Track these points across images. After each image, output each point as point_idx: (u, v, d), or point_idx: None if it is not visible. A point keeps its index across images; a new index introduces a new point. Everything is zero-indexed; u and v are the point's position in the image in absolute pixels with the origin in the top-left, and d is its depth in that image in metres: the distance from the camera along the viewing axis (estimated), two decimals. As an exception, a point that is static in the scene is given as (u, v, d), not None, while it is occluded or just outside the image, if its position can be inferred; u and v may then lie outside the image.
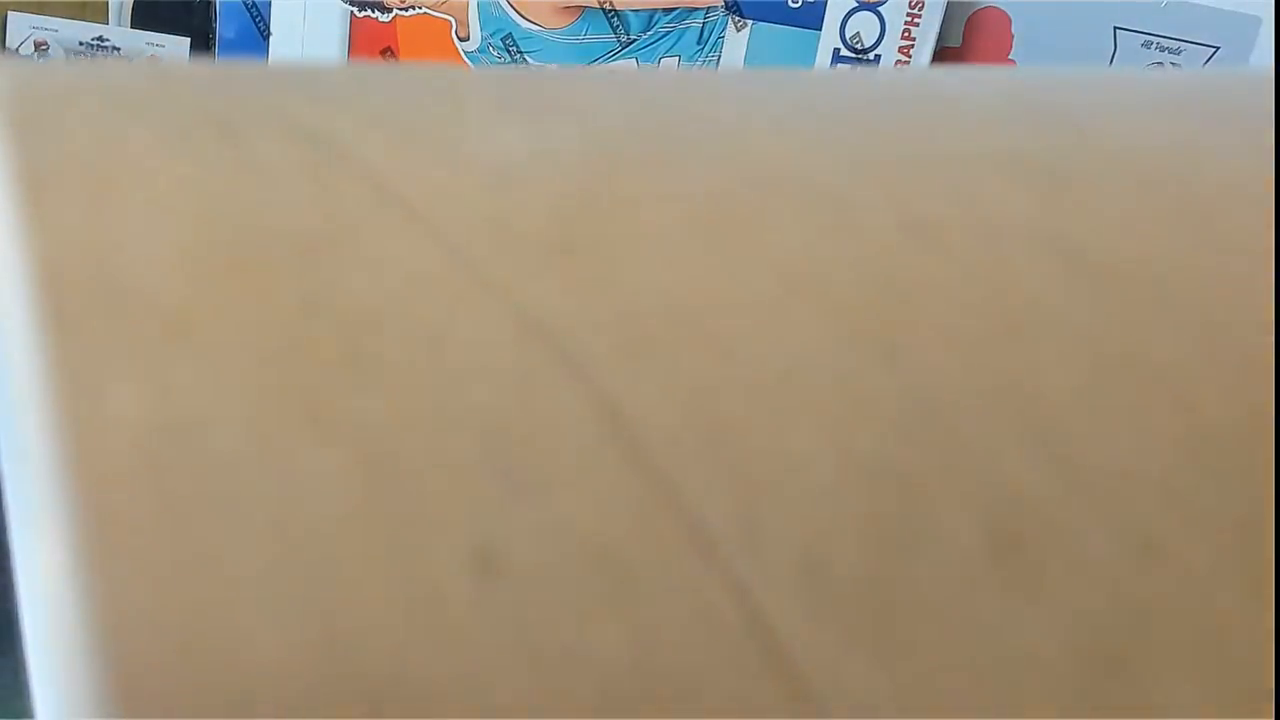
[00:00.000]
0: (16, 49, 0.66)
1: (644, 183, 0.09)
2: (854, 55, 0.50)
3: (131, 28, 0.66)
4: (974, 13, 0.44)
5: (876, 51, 0.48)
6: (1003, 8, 0.40)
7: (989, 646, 0.07)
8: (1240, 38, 0.30)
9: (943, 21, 0.47)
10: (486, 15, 0.54)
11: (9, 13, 0.66)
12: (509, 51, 0.55)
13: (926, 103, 0.12)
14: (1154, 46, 0.33)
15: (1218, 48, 0.32)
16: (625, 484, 0.07)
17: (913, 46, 0.49)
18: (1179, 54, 0.32)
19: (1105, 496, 0.08)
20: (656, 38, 0.51)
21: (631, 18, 0.52)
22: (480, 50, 0.56)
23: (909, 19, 0.47)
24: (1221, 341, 0.09)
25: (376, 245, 0.08)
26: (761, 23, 0.49)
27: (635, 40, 0.52)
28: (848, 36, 0.49)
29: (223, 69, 0.10)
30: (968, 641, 0.07)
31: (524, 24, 0.53)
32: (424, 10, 0.57)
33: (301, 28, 0.60)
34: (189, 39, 0.65)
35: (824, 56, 0.50)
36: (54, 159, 0.08)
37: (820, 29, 0.48)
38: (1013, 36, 0.40)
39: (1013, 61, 0.41)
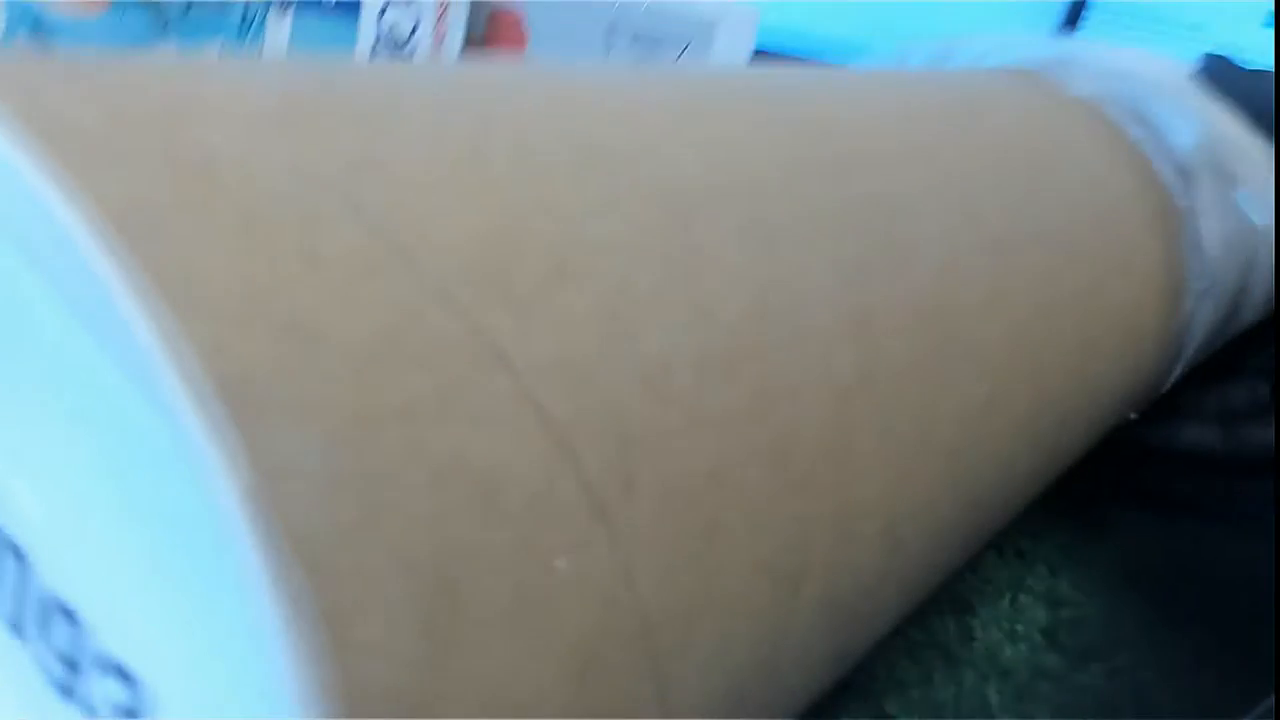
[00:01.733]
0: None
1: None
2: (393, 45, 0.54)
3: None
4: (492, 11, 0.49)
5: (412, 43, 0.52)
6: (514, 8, 0.47)
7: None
8: (703, 35, 0.41)
9: (469, 17, 0.50)
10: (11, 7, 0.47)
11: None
12: (41, 41, 0.47)
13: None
14: (640, 40, 0.41)
15: (688, 43, 0.41)
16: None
17: (445, 38, 0.54)
18: (660, 46, 0.40)
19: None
20: (197, 22, 0.50)
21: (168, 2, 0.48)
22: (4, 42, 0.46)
23: (439, 14, 0.52)
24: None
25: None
26: (305, 8, 0.50)
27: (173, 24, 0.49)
28: (385, 28, 0.53)
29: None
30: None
31: (53, 14, 0.48)
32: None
33: None
34: None
35: (365, 44, 0.53)
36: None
37: (359, 20, 0.51)
38: (526, 32, 0.47)
39: (528, 53, 0.48)
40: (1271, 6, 0.57)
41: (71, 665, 0.12)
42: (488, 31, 0.53)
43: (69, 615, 0.12)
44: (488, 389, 0.10)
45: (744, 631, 0.12)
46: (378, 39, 0.53)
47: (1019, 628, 0.26)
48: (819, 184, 0.15)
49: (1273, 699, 0.17)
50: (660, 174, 0.13)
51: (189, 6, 0.54)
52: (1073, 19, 0.62)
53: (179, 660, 0.10)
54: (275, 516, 0.08)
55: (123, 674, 0.11)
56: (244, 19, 0.55)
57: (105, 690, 0.12)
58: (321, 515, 0.08)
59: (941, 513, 0.17)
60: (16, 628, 0.13)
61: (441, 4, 0.56)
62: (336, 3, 0.54)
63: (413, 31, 0.53)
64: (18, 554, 0.12)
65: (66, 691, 0.12)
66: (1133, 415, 0.28)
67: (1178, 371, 0.29)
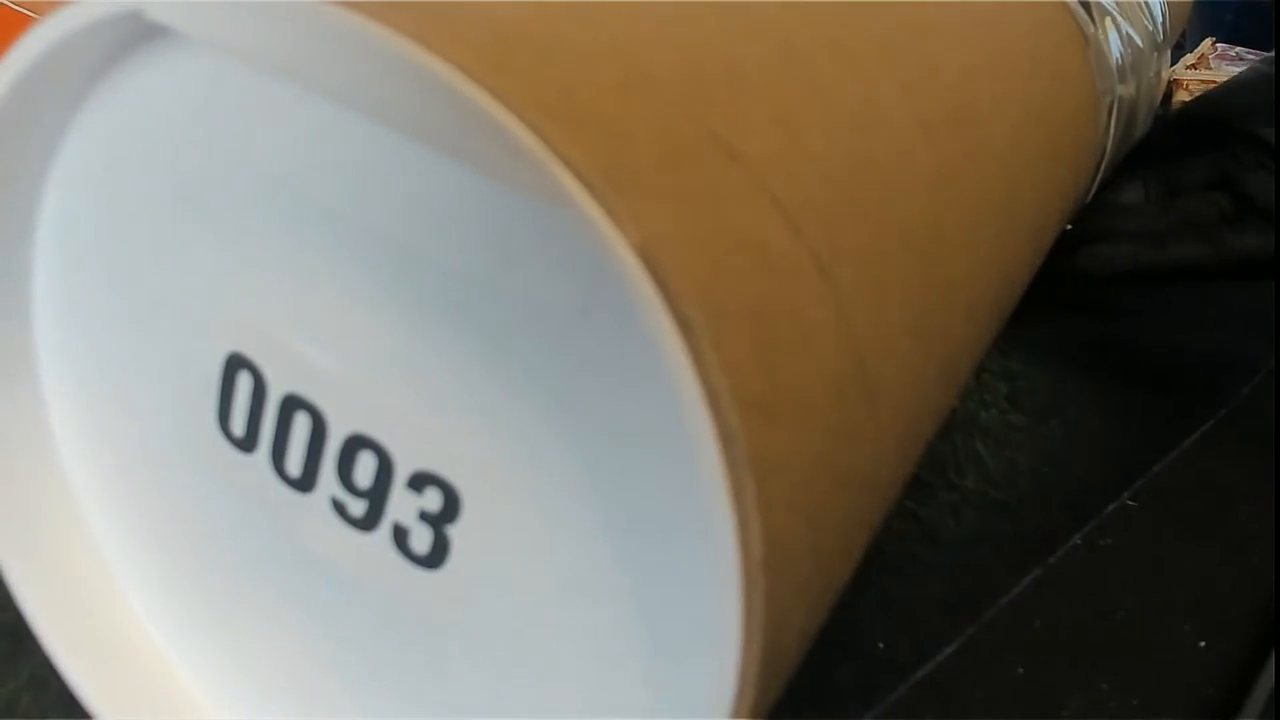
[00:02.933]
0: None
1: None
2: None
3: None
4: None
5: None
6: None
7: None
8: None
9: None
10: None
11: None
12: None
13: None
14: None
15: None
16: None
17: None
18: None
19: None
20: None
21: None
22: None
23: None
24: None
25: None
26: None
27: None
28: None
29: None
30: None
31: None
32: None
33: None
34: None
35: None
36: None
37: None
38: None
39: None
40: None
41: (374, 496, 0.14)
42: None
43: (374, 448, 0.14)
44: (732, 177, 0.12)
45: (908, 379, 0.15)
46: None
47: (987, 397, 0.31)
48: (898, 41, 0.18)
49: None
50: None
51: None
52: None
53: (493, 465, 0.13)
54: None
55: (438, 483, 0.13)
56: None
57: (419, 503, 0.14)
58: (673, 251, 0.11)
59: (990, 294, 0.20)
60: (305, 481, 0.15)
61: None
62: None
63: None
64: (311, 411, 0.14)
65: (367, 524, 0.14)
66: (1068, 226, 0.32)
67: (1097, 181, 0.33)
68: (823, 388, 0.13)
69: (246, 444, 0.15)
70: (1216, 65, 0.60)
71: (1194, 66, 0.59)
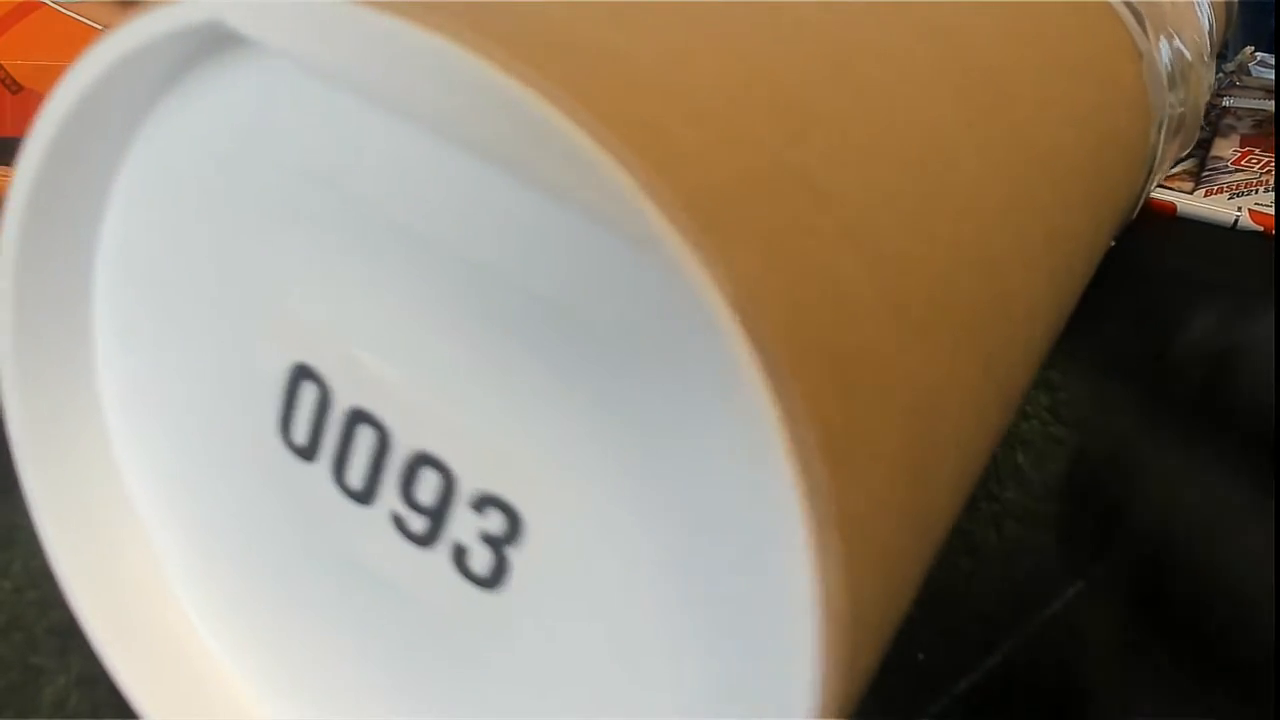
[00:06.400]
0: None
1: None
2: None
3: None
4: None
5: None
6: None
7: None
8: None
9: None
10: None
11: None
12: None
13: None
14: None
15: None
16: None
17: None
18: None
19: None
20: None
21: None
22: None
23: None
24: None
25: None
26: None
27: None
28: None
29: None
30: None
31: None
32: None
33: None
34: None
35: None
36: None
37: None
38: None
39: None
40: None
41: (436, 514, 0.14)
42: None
43: (438, 467, 0.14)
44: (808, 211, 0.12)
45: (971, 411, 0.15)
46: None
47: (1027, 409, 0.31)
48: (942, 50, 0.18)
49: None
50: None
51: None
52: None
53: (558, 492, 0.13)
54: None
55: (501, 505, 0.13)
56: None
57: (481, 524, 0.14)
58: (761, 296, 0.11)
59: (1049, 316, 0.20)
60: (365, 494, 0.14)
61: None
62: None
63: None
64: (376, 425, 0.14)
65: (426, 540, 0.14)
66: (1112, 242, 0.32)
67: (1145, 195, 0.33)
68: (898, 432, 0.13)
69: (308, 453, 0.15)
70: (1257, 73, 0.60)
71: (1234, 74, 0.59)
